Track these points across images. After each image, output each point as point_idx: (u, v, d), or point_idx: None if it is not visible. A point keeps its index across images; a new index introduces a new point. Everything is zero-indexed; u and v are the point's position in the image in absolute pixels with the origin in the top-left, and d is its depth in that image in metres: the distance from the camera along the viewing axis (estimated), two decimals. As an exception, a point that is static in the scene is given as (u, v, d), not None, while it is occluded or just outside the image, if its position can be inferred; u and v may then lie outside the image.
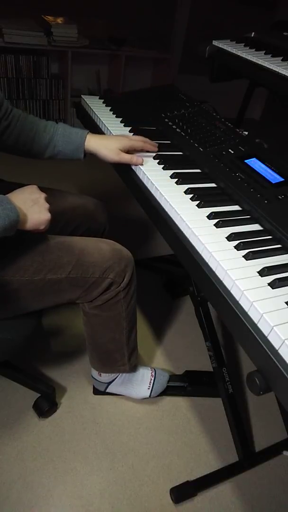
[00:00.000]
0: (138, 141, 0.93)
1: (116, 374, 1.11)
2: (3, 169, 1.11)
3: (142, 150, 0.95)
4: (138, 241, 1.88)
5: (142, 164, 0.91)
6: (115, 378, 1.12)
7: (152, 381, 1.16)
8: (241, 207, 0.82)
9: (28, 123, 0.93)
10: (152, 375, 1.16)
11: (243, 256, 0.67)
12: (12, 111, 0.92)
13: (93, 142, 0.93)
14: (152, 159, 0.94)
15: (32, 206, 0.73)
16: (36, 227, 0.74)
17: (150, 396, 1.16)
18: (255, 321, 0.57)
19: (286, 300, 0.59)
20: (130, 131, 1.06)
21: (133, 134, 1.04)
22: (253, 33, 1.27)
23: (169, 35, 2.70)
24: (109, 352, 1.03)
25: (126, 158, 0.91)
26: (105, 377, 1.11)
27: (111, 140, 0.92)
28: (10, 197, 0.70)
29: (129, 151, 0.92)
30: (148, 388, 1.15)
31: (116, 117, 1.14)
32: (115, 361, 1.05)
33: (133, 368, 1.11)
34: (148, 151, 0.96)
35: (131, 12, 2.52)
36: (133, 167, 0.94)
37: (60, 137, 0.93)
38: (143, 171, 0.89)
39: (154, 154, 0.96)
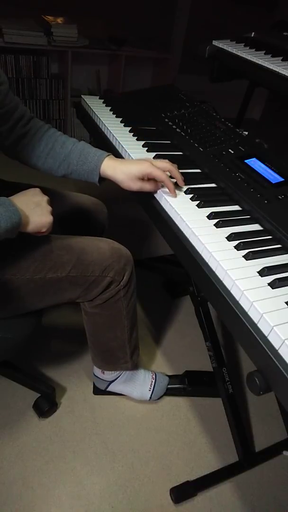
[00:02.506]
0: (162, 170, 0.80)
1: (119, 372, 1.11)
2: (3, 169, 1.11)
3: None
4: (138, 241, 1.88)
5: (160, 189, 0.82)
6: (118, 377, 1.12)
7: (153, 383, 1.16)
8: (241, 207, 0.82)
9: (47, 137, 0.89)
10: (153, 377, 1.17)
11: (243, 256, 0.67)
12: (31, 119, 0.90)
13: (111, 166, 0.84)
14: (152, 159, 0.94)
15: (34, 209, 0.73)
16: (38, 230, 0.74)
17: (150, 398, 1.16)
18: (255, 321, 0.57)
19: (286, 300, 0.59)
20: (130, 131, 1.06)
21: (133, 134, 1.04)
22: (253, 33, 1.27)
23: (169, 35, 2.70)
24: (111, 350, 1.03)
25: (147, 188, 0.81)
26: (108, 375, 1.12)
27: (130, 164, 0.81)
28: (12, 200, 0.70)
29: (149, 178, 0.82)
30: (149, 390, 1.15)
31: (116, 117, 1.14)
32: (117, 359, 1.05)
33: (135, 366, 1.11)
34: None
35: (131, 12, 2.52)
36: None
37: (76, 155, 0.86)
38: (143, 171, 0.89)
39: (154, 155, 0.95)
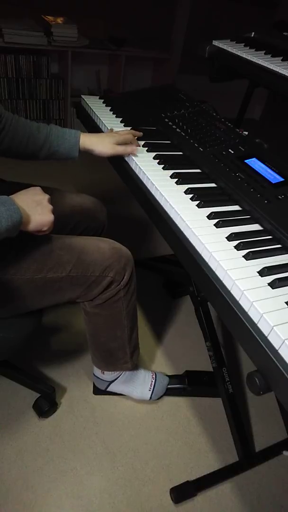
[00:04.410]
0: (128, 135, 0.98)
1: (119, 372, 1.11)
2: (3, 169, 1.11)
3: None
4: (138, 241, 1.88)
5: (135, 153, 0.95)
6: (118, 377, 1.12)
7: (153, 383, 1.16)
8: (241, 207, 0.82)
9: (21, 125, 0.93)
10: (153, 377, 1.17)
11: (243, 256, 0.67)
12: (5, 114, 0.92)
13: (87, 140, 0.96)
14: (152, 159, 0.94)
15: (35, 207, 0.73)
16: (39, 228, 0.74)
17: (151, 398, 1.16)
18: (255, 321, 0.57)
19: (286, 300, 0.59)
20: (130, 131, 1.06)
21: (136, 137, 1.04)
22: (253, 33, 1.27)
23: (169, 35, 2.70)
24: (111, 351, 1.03)
25: (120, 150, 0.95)
26: (108, 375, 1.11)
27: (104, 136, 0.97)
28: (13, 198, 0.70)
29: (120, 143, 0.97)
30: (149, 390, 1.15)
31: (116, 117, 1.14)
32: (117, 359, 1.05)
33: (135, 366, 1.11)
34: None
35: (131, 12, 2.52)
36: (133, 167, 0.94)
37: (54, 137, 0.95)
38: (143, 171, 0.89)
39: (154, 154, 0.96)
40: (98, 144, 0.95)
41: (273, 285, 0.61)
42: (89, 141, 0.96)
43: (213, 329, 1.18)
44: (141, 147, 0.99)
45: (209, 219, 0.75)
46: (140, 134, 1.02)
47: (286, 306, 0.58)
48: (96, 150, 0.96)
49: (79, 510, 0.94)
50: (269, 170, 0.88)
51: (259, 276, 0.63)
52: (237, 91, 1.67)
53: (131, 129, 1.05)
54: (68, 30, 2.22)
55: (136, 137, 1.00)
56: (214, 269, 0.66)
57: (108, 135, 0.97)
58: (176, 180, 0.86)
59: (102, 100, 1.24)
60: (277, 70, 1.01)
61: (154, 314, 1.50)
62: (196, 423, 1.17)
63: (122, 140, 0.96)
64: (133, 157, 0.94)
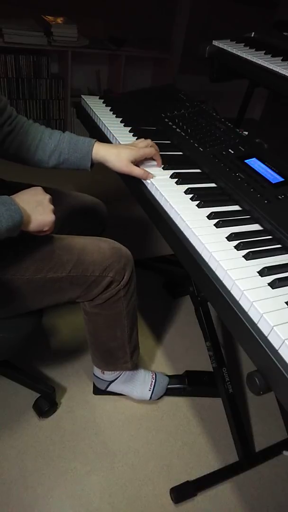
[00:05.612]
0: (149, 149, 0.89)
1: (119, 372, 1.11)
2: (3, 169, 1.11)
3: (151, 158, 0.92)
4: (138, 241, 1.88)
5: (151, 178, 0.87)
6: (118, 377, 1.12)
7: (153, 383, 1.16)
8: (241, 207, 0.82)
9: (33, 130, 0.91)
10: (153, 378, 1.17)
11: (243, 256, 0.67)
12: (16, 117, 0.91)
13: (101, 151, 0.89)
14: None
15: (36, 207, 0.73)
16: (40, 229, 0.73)
17: (151, 398, 1.16)
18: (255, 321, 0.57)
19: (286, 300, 0.59)
20: (130, 131, 1.06)
21: (133, 134, 1.04)
22: (253, 33, 1.27)
23: (169, 35, 2.70)
24: (111, 350, 1.03)
25: (136, 172, 0.87)
26: (108, 375, 1.11)
27: (121, 149, 0.88)
28: (14, 198, 0.70)
29: (138, 162, 0.89)
30: (149, 390, 1.15)
31: (116, 117, 1.14)
32: (117, 359, 1.05)
33: (135, 366, 1.11)
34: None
35: (131, 12, 2.52)
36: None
37: (66, 144, 0.89)
38: (143, 171, 0.89)
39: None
40: (113, 157, 0.87)
41: (273, 285, 0.61)
42: (103, 152, 0.88)
43: (213, 329, 1.18)
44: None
45: (209, 219, 0.75)
46: (160, 162, 0.91)
47: (286, 306, 0.58)
48: (109, 163, 0.88)
49: (79, 510, 0.94)
50: (269, 170, 0.88)
51: (259, 276, 0.63)
52: (237, 91, 1.68)
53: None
54: (68, 30, 2.22)
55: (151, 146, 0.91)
56: (214, 269, 0.66)
57: (126, 149, 0.88)
58: (176, 180, 0.86)
59: (102, 100, 1.24)
60: (277, 70, 1.01)
61: (154, 314, 1.50)
62: (196, 423, 1.17)
63: (140, 156, 0.87)
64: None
